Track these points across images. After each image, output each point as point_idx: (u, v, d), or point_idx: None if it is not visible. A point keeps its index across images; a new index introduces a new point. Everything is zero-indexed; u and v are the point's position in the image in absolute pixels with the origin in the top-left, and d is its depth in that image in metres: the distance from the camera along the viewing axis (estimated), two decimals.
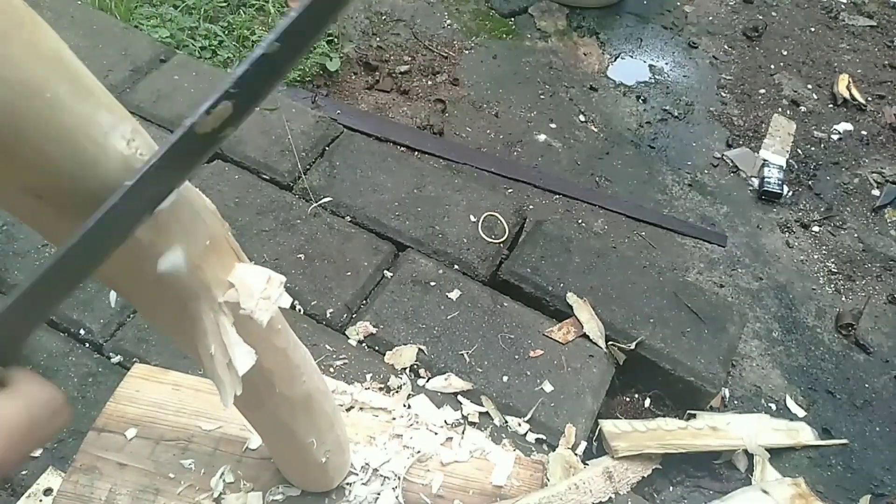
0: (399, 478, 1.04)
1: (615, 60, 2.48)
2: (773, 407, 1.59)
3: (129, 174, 0.43)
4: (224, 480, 0.99)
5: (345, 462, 0.97)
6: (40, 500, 1.03)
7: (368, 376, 1.21)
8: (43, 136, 0.39)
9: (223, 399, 0.57)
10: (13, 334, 0.39)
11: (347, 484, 1.01)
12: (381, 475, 1.04)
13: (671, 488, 1.36)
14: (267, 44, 0.39)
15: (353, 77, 2.20)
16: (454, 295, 1.37)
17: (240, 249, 0.60)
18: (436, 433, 1.12)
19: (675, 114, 2.32)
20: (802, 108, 2.41)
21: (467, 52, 2.38)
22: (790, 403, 1.60)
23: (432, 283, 1.39)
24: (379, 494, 1.02)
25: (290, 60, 0.41)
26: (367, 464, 1.04)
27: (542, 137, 2.16)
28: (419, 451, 1.08)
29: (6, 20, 0.36)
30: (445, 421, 1.16)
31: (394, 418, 1.13)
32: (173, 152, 0.41)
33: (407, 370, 1.25)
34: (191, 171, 0.44)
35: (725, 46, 2.61)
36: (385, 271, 1.42)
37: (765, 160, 2.19)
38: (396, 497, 1.02)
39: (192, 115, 0.40)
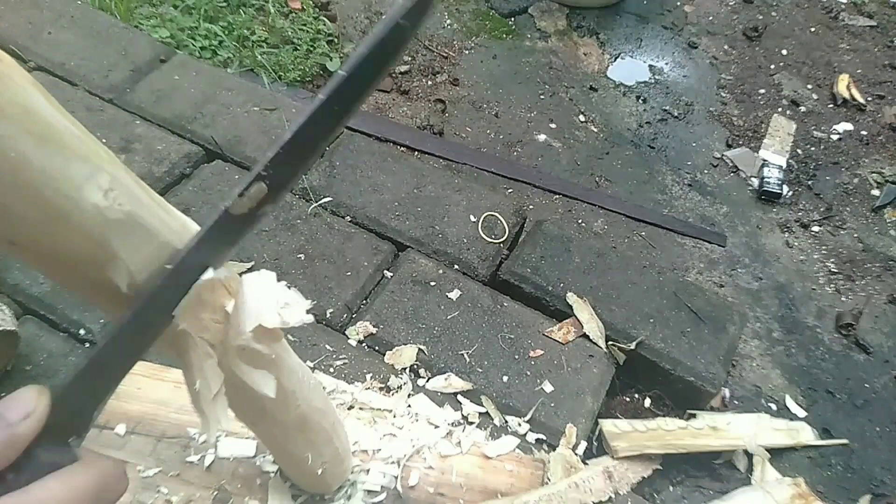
0: (399, 466, 1.04)
1: (615, 60, 2.48)
2: (773, 407, 1.59)
3: (104, 226, 0.42)
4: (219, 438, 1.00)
5: (344, 470, 0.97)
6: None
7: (368, 376, 1.21)
8: (7, 194, 0.37)
9: (207, 433, 0.56)
10: (79, 407, 0.42)
11: None
12: (379, 461, 1.04)
13: (671, 488, 1.36)
14: (297, 126, 0.40)
15: None
16: (454, 295, 1.37)
17: (233, 279, 0.58)
18: (437, 426, 1.12)
19: (675, 114, 2.32)
20: (802, 108, 2.41)
21: (467, 52, 2.38)
22: (790, 403, 1.60)
23: (432, 283, 1.39)
24: (368, 472, 1.02)
25: (324, 138, 0.42)
26: (357, 442, 1.05)
27: (542, 137, 2.16)
28: (419, 443, 1.08)
29: None
30: (445, 421, 1.16)
31: (395, 416, 1.13)
32: (210, 235, 0.43)
33: (407, 370, 1.25)
34: (231, 250, 0.46)
35: (725, 46, 2.61)
36: (385, 271, 1.42)
37: (765, 160, 2.19)
38: (395, 486, 1.02)
39: (227, 199, 0.42)
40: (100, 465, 0.37)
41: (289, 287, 0.57)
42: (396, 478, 1.04)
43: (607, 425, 1.28)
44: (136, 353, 0.44)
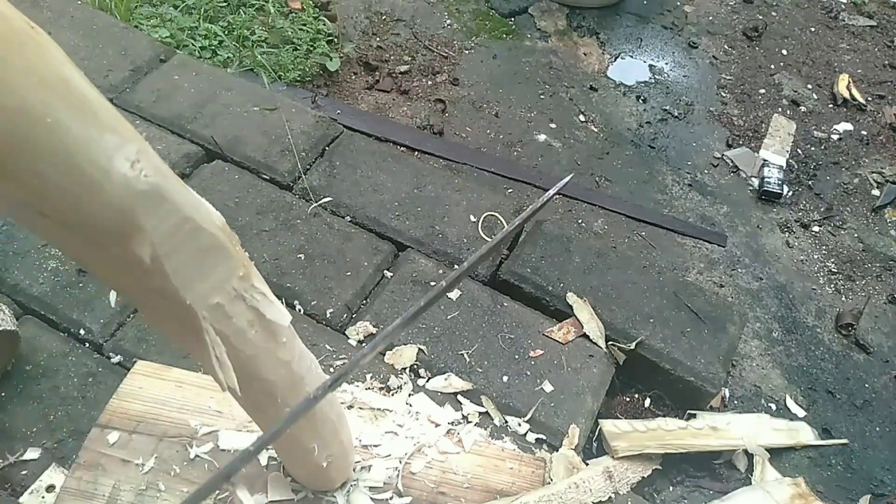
0: (401, 463, 1.05)
1: (615, 60, 2.48)
2: (773, 407, 1.59)
3: (132, 196, 0.43)
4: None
5: (347, 465, 0.97)
6: (42, 497, 1.04)
7: (368, 376, 1.21)
8: (43, 160, 0.39)
9: (224, 388, 0.59)
10: None
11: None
12: (381, 458, 1.05)
13: (671, 488, 1.36)
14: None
15: (353, 77, 2.20)
16: (454, 295, 1.37)
17: (247, 259, 0.61)
18: (438, 424, 1.12)
19: (675, 114, 2.32)
20: (802, 108, 2.41)
21: (467, 52, 2.38)
22: (790, 403, 1.60)
23: (432, 283, 1.39)
24: (370, 468, 1.02)
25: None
26: (359, 438, 1.05)
27: (542, 137, 2.16)
28: (420, 441, 1.08)
29: (5, 45, 0.35)
30: (446, 420, 1.16)
31: (396, 415, 1.13)
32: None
33: (407, 370, 1.25)
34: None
35: (725, 46, 2.61)
36: (385, 271, 1.42)
37: (765, 160, 2.19)
38: (396, 484, 1.02)
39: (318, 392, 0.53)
40: None
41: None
42: (398, 474, 1.04)
43: (607, 425, 1.28)
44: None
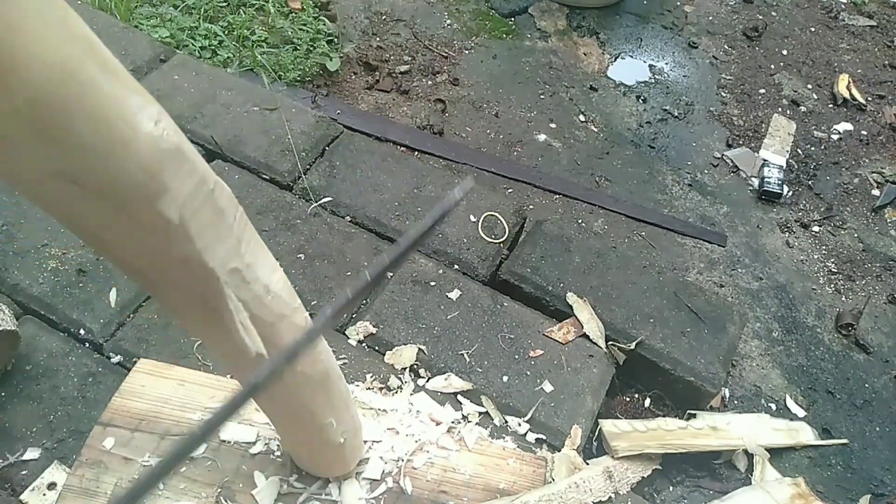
0: (402, 462, 1.05)
1: (615, 60, 2.48)
2: (773, 407, 1.59)
3: (158, 154, 0.46)
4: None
5: (359, 444, 0.98)
6: (44, 494, 1.04)
7: (368, 376, 1.21)
8: (78, 117, 0.40)
9: (257, 350, 0.62)
10: None
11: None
12: (379, 452, 1.05)
13: (671, 488, 1.36)
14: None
15: (353, 77, 2.20)
16: (454, 295, 1.37)
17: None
18: (439, 423, 1.12)
19: (675, 114, 2.32)
20: (802, 108, 2.41)
21: (467, 52, 2.38)
22: (790, 403, 1.60)
23: (432, 283, 1.39)
24: (372, 464, 1.02)
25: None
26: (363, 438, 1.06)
27: (542, 137, 2.16)
28: (421, 439, 1.08)
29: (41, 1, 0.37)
30: (447, 419, 1.16)
31: (397, 413, 1.13)
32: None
33: (407, 370, 1.25)
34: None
35: (725, 46, 2.61)
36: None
37: (765, 160, 2.19)
38: (398, 482, 1.02)
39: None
40: None
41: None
42: (400, 472, 1.04)
43: (607, 425, 1.28)
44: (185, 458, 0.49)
